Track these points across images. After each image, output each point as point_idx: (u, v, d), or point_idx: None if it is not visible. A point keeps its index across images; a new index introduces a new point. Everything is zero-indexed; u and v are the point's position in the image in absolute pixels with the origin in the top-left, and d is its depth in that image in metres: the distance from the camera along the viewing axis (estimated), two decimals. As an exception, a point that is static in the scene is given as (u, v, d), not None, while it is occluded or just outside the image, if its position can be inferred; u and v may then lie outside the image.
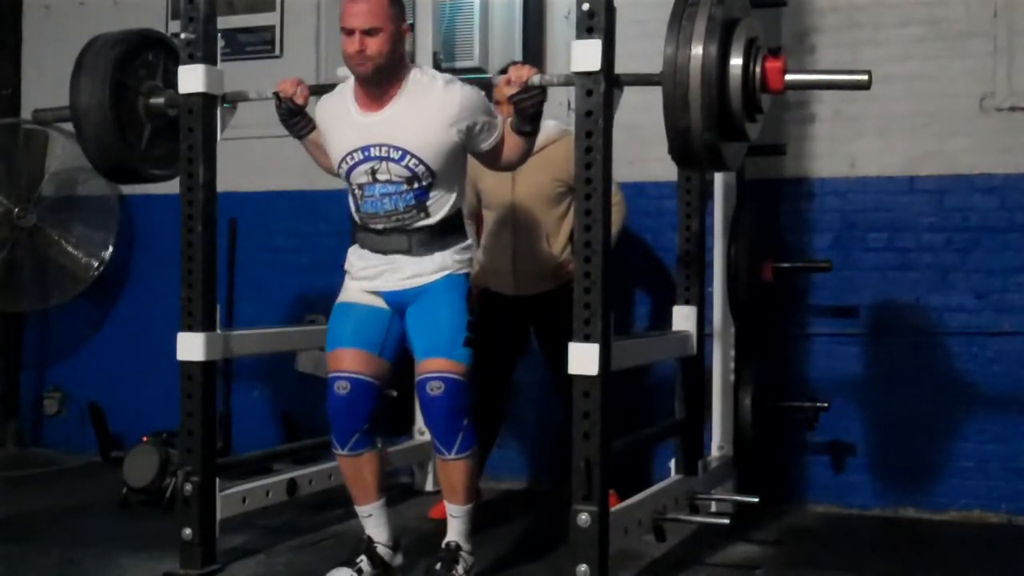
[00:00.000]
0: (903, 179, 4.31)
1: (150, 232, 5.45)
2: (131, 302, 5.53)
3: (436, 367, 3.09)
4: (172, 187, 3.50)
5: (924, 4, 4.26)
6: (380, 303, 3.21)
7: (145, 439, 4.39)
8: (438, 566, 3.15)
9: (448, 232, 3.17)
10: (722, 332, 4.10)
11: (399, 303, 3.19)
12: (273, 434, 4.87)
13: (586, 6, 2.91)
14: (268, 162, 5.12)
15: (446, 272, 3.15)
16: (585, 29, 2.91)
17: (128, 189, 5.42)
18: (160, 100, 3.61)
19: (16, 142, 5.38)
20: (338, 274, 3.31)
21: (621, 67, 3.03)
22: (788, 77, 2.90)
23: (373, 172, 3.09)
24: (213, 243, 3.50)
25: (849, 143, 4.37)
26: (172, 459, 4.20)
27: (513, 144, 3.19)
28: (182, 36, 3.42)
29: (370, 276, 3.20)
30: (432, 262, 3.14)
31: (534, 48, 4.89)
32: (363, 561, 3.19)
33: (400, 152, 3.05)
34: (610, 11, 2.92)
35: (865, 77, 2.86)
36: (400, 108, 3.08)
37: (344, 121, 3.14)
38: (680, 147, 2.85)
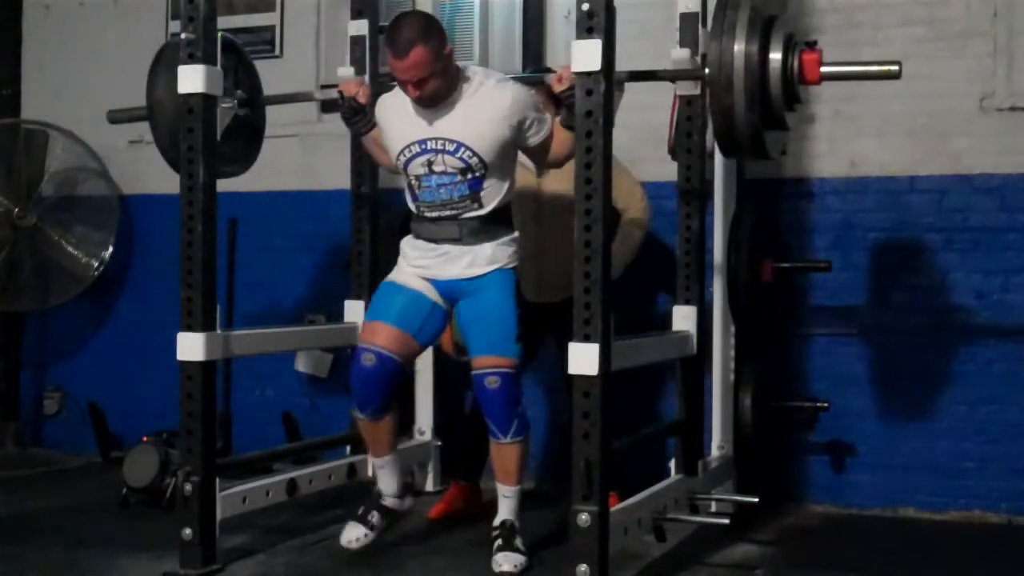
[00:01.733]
0: (903, 179, 4.30)
1: (150, 232, 5.44)
2: (131, 302, 5.53)
3: (492, 363, 3.35)
4: (172, 187, 3.50)
5: (924, 4, 4.25)
6: (429, 290, 3.43)
7: (145, 439, 4.38)
8: (499, 542, 3.40)
9: (497, 223, 3.39)
10: (722, 332, 4.09)
11: (451, 293, 3.42)
12: (273, 434, 4.87)
13: (586, 6, 2.92)
14: (268, 162, 5.11)
15: (498, 266, 3.38)
16: (585, 29, 2.92)
17: (128, 189, 5.43)
18: (229, 102, 3.67)
19: (16, 142, 5.37)
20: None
21: (621, 67, 3.04)
22: (823, 69, 3.08)
23: (429, 164, 3.31)
24: (213, 243, 3.50)
25: (849, 143, 4.37)
26: (172, 459, 4.19)
27: (562, 139, 3.36)
28: (182, 36, 3.42)
29: (426, 265, 3.42)
30: (484, 254, 3.37)
31: (534, 48, 4.88)
32: (374, 516, 3.53)
33: (455, 144, 3.26)
34: (610, 11, 2.93)
35: (896, 68, 3.05)
36: (455, 105, 3.28)
37: (403, 117, 3.34)
38: (726, 134, 3.04)
